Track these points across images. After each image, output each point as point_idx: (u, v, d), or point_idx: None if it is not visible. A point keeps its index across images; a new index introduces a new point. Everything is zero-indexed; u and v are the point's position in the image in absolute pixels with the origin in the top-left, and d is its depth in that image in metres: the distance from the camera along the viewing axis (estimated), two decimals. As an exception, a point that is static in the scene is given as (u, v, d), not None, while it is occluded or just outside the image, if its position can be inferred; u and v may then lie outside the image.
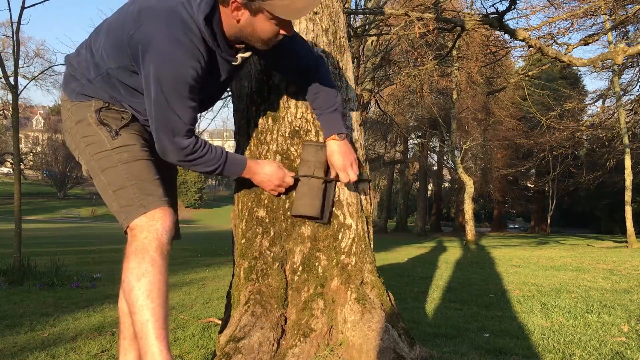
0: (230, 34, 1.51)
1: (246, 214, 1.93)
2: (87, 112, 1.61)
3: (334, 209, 1.90)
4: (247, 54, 1.59)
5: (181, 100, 1.49)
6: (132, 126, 1.64)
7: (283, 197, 1.89)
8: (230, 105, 2.16)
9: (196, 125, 1.61)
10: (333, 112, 1.78)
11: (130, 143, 1.60)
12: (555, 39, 9.91)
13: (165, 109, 1.49)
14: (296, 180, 1.83)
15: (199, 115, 1.67)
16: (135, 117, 1.64)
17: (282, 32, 1.49)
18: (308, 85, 1.79)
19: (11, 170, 48.42)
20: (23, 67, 36.15)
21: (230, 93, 2.17)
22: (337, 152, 1.78)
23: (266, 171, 1.77)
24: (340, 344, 1.73)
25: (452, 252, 10.26)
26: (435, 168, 33.02)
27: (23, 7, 5.26)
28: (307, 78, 1.78)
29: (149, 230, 1.51)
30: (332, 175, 1.84)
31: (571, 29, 9.95)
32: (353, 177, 1.79)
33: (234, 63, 1.58)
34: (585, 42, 8.61)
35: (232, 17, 1.46)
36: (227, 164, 1.66)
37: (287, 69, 1.80)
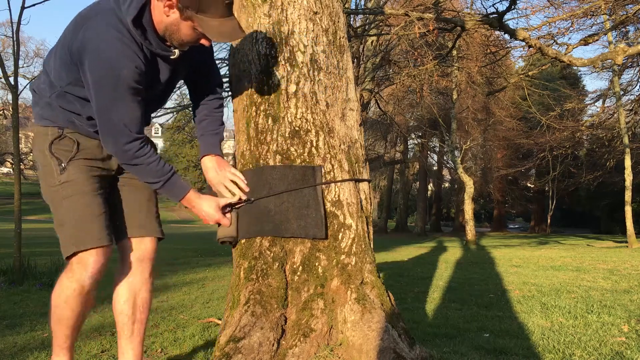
0: (159, 29, 1.58)
1: (246, 214, 1.92)
2: (44, 141, 1.70)
3: (335, 209, 1.90)
4: (185, 48, 1.65)
5: (120, 102, 1.56)
6: (85, 153, 1.71)
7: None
8: (230, 105, 2.17)
9: (144, 130, 1.68)
10: (215, 135, 1.89)
11: (75, 178, 1.67)
12: (555, 39, 9.91)
13: (106, 111, 1.56)
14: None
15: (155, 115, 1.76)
16: (92, 137, 1.71)
17: (202, 41, 1.59)
18: (206, 105, 1.91)
19: (11, 170, 48.33)
20: (23, 67, 36.12)
21: (230, 93, 2.17)
22: (211, 168, 1.86)
23: (204, 209, 1.80)
24: (340, 344, 1.73)
25: (452, 252, 10.26)
26: (435, 168, 32.99)
27: (23, 7, 5.26)
28: (210, 97, 1.90)
29: (74, 271, 1.67)
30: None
31: (571, 29, 9.95)
32: (237, 189, 1.84)
33: (171, 57, 1.64)
34: (585, 42, 8.60)
35: (163, 12, 1.54)
36: (168, 184, 1.71)
37: (202, 84, 1.91)
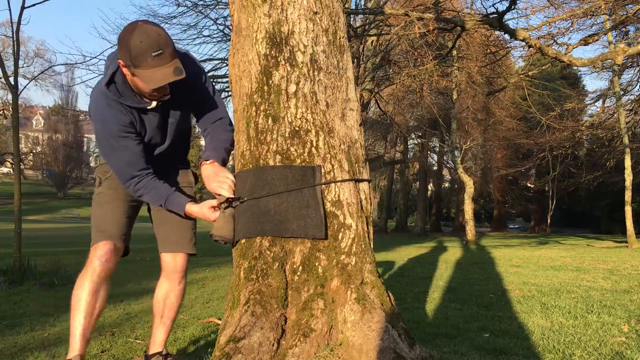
0: (132, 86, 1.94)
1: (246, 214, 1.92)
2: (96, 166, 2.30)
3: (335, 209, 1.90)
4: (166, 98, 1.99)
5: (114, 152, 1.99)
6: None
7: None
8: (230, 105, 2.19)
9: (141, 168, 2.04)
10: (213, 149, 2.12)
11: (105, 191, 2.17)
12: (555, 39, 9.89)
13: (106, 157, 2.05)
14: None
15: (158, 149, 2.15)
16: None
17: (155, 92, 1.91)
18: (210, 129, 2.17)
19: (11, 170, 48.29)
20: (23, 67, 36.09)
21: (230, 93, 2.20)
22: (205, 176, 2.07)
23: (203, 214, 2.05)
24: (340, 344, 1.73)
25: (452, 252, 10.26)
26: (435, 168, 32.97)
27: (23, 7, 5.27)
28: (210, 126, 2.17)
29: (90, 259, 2.06)
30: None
31: (571, 29, 9.94)
32: (225, 193, 1.99)
33: (148, 107, 1.99)
34: (585, 42, 8.59)
35: (125, 73, 1.90)
36: (167, 204, 2.07)
37: (199, 116, 2.19)
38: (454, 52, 13.04)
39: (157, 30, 1.82)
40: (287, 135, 1.93)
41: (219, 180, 2.00)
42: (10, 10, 5.37)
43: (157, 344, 2.26)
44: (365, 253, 1.90)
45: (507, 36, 9.07)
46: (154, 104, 1.99)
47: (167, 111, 2.08)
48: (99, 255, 2.05)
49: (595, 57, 7.50)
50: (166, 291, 2.25)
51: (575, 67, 22.93)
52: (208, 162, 2.05)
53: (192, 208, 2.05)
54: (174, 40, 1.94)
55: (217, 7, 11.47)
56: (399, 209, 32.77)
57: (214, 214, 1.99)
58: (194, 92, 2.11)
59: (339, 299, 1.80)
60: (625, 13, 9.64)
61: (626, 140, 13.82)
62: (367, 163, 2.15)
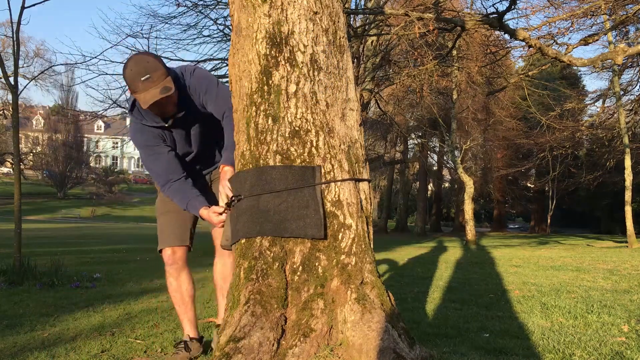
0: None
1: (246, 214, 1.92)
2: None
3: (335, 209, 1.90)
4: (180, 114, 2.28)
5: (150, 160, 2.37)
6: None
7: (283, 197, 1.89)
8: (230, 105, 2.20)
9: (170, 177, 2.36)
10: (224, 154, 2.33)
11: (160, 204, 2.55)
12: (555, 39, 9.88)
13: (147, 168, 2.42)
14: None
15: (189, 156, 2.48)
16: None
17: (154, 111, 2.21)
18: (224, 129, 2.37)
19: (11, 170, 48.24)
20: (23, 67, 36.09)
21: (230, 93, 2.21)
22: (215, 180, 2.41)
23: (210, 218, 2.29)
24: (340, 344, 1.73)
25: (452, 252, 10.26)
26: (435, 168, 32.96)
27: (23, 7, 5.27)
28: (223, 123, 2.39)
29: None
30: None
31: (571, 29, 9.92)
32: (222, 202, 2.21)
33: (165, 125, 2.30)
34: (585, 42, 8.59)
35: None
36: (188, 207, 2.36)
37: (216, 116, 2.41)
38: (454, 52, 13.03)
39: (146, 57, 2.12)
40: (287, 135, 1.93)
41: (221, 186, 2.20)
42: (10, 10, 5.37)
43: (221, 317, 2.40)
44: (365, 253, 1.90)
45: (507, 36, 9.07)
46: (169, 122, 2.28)
47: (187, 125, 2.37)
48: (166, 261, 2.51)
49: (595, 57, 7.50)
50: (221, 266, 2.47)
51: (575, 67, 22.95)
52: (219, 167, 2.29)
53: (203, 212, 2.30)
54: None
55: (217, 7, 11.46)
56: (399, 209, 32.76)
57: (218, 218, 2.20)
58: (205, 105, 2.34)
59: (339, 299, 1.80)
60: (625, 13, 9.64)
61: (626, 140, 13.81)
62: (367, 163, 2.14)
